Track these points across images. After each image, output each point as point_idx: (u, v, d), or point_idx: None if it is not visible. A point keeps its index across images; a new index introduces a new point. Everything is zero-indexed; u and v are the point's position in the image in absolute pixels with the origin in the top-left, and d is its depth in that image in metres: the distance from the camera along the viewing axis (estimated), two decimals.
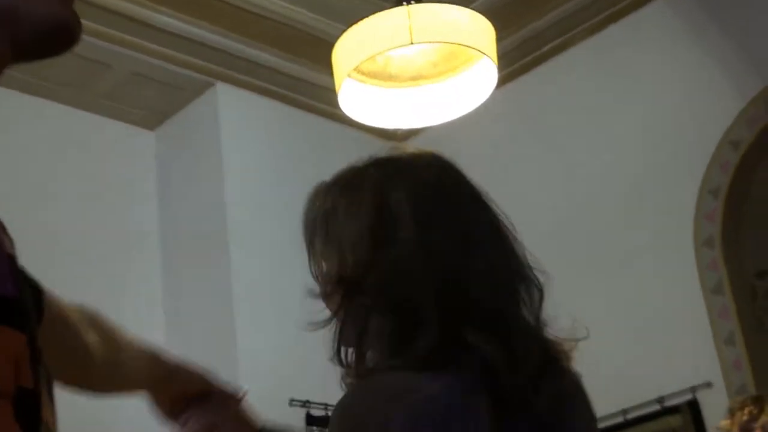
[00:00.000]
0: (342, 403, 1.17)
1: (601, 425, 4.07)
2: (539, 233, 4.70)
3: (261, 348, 4.30)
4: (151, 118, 4.80)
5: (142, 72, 4.56)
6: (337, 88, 3.12)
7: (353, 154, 4.66)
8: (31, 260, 0.95)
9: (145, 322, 4.45)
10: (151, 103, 4.73)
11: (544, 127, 4.87)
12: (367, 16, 3.03)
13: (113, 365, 1.22)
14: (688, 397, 4.09)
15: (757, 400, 3.05)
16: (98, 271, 4.42)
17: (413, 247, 1.23)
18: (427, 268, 1.22)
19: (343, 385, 1.22)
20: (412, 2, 3.00)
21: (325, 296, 1.28)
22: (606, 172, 4.59)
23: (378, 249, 1.24)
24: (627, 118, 4.58)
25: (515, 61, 4.88)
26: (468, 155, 4.93)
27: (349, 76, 3.08)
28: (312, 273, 1.31)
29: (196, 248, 4.53)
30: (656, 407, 4.16)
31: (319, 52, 4.38)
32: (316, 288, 1.30)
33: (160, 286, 4.60)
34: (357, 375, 1.21)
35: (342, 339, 1.24)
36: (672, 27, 4.51)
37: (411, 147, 1.46)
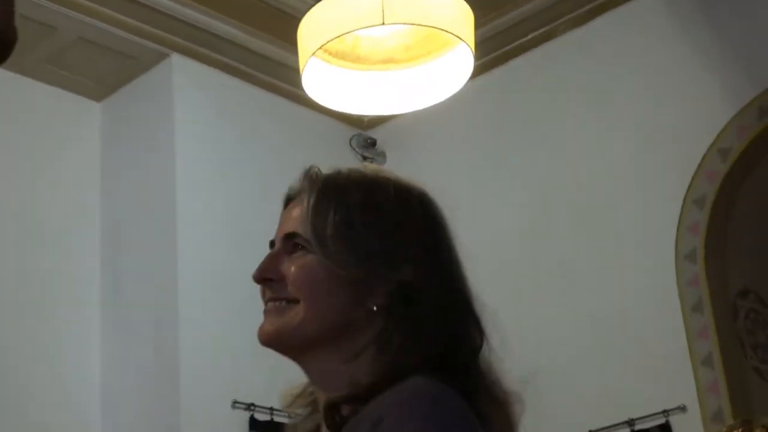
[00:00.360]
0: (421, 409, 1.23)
1: None
2: (508, 238, 4.68)
3: (205, 344, 4.22)
4: (98, 88, 4.68)
5: (90, 37, 4.43)
6: (301, 67, 3.05)
7: (315, 139, 4.67)
8: None
9: (79, 309, 4.40)
10: (99, 72, 4.60)
11: (520, 123, 4.80)
12: None
13: None
14: (661, 420, 4.04)
15: (746, 424, 3.01)
16: (30, 248, 4.33)
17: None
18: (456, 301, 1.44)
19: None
20: None
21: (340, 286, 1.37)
22: (584, 177, 4.52)
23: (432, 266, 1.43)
24: (609, 119, 4.51)
25: (494, 49, 4.81)
26: (437, 147, 4.99)
27: (314, 55, 3.01)
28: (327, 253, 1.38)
29: (140, 232, 4.44)
30: (626, 430, 4.11)
31: (284, 27, 4.31)
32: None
33: (98, 271, 4.50)
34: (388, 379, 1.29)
35: (385, 343, 1.34)
36: (662, 25, 4.44)
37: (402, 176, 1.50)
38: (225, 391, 4.20)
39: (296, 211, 1.43)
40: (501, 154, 4.83)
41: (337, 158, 4.99)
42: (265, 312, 1.41)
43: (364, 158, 5.12)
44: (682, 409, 4.00)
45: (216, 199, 4.50)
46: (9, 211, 4.31)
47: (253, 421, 4.21)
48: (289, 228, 1.42)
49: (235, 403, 4.21)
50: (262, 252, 1.43)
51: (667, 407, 4.03)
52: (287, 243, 1.41)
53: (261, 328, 1.40)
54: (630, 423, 4.09)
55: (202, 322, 4.25)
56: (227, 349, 4.21)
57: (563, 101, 4.69)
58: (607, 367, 4.23)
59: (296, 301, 1.38)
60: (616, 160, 4.44)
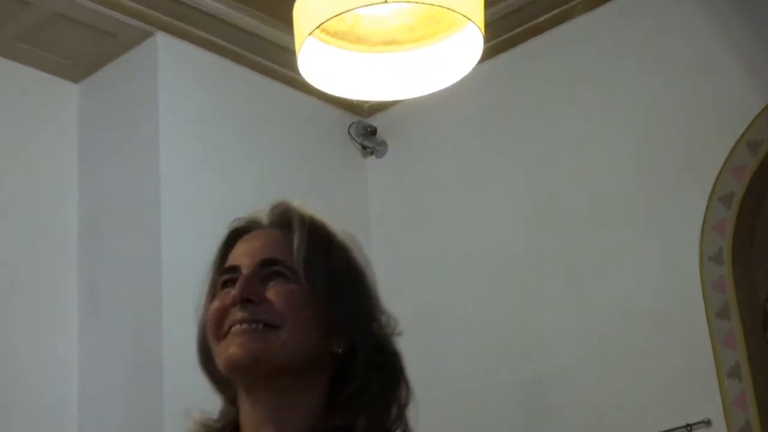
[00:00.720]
0: None
1: None
2: (514, 232, 4.56)
3: (190, 344, 4.13)
4: (76, 68, 4.58)
5: (67, 13, 4.32)
6: (296, 48, 2.97)
7: (310, 126, 4.56)
8: None
9: (55, 307, 4.31)
10: (77, 51, 4.50)
11: (531, 111, 4.68)
12: None
13: None
14: None
15: None
16: (3, 241, 4.26)
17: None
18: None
19: None
20: None
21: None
22: (600, 171, 4.42)
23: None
24: (626, 109, 4.40)
25: (504, 31, 4.71)
26: (442, 136, 4.89)
27: (311, 35, 2.93)
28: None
29: (121, 224, 4.35)
30: None
31: (279, 4, 4.21)
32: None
33: (75, 262, 4.42)
34: None
35: (339, 390, 1.51)
36: (686, 9, 4.33)
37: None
38: (212, 392, 4.11)
39: (272, 240, 1.55)
40: (508, 144, 4.72)
41: (334, 147, 4.97)
42: (236, 333, 1.49)
43: (364, 147, 5.03)
44: (707, 423, 3.91)
45: (203, 190, 4.41)
46: None
47: None
48: (268, 254, 1.53)
49: None
50: None
51: (690, 421, 3.93)
52: (263, 269, 1.52)
53: (233, 350, 1.48)
54: None
55: (188, 321, 4.15)
56: None
57: (576, 89, 4.58)
58: (623, 375, 4.14)
59: (276, 327, 1.49)
60: (635, 152, 4.33)
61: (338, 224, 4.90)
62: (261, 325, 1.49)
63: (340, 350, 1.51)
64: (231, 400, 1.57)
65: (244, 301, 1.50)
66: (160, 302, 4.14)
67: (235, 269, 1.54)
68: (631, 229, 4.29)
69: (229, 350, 1.49)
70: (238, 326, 1.49)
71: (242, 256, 1.55)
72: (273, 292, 1.51)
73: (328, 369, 1.52)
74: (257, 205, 4.66)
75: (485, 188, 4.69)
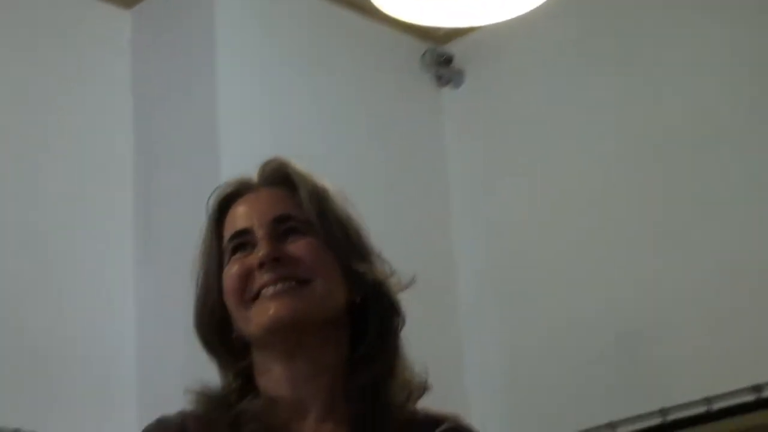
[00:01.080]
0: None
1: (679, 415, 3.97)
2: (609, 175, 4.38)
3: None
4: None
5: None
6: None
7: (380, 55, 4.42)
8: None
9: (109, 251, 4.27)
10: None
11: (631, 34, 4.49)
12: None
13: None
14: None
15: None
16: (52, 178, 4.21)
17: None
18: None
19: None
20: None
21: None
22: (712, 101, 4.24)
23: None
24: (736, 44, 4.22)
25: None
26: (527, 64, 4.67)
27: None
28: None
29: (177, 158, 4.29)
30: (750, 397, 3.93)
31: None
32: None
33: (131, 201, 4.35)
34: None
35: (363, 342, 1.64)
36: None
37: None
38: None
39: (275, 197, 1.64)
40: (603, 72, 4.53)
41: (407, 78, 4.82)
42: (272, 294, 1.56)
43: (439, 78, 4.89)
44: None
45: (264, 124, 4.31)
46: (25, 137, 4.18)
47: None
48: (279, 211, 1.62)
49: None
50: None
51: None
52: (277, 227, 1.61)
53: (274, 311, 1.55)
54: (756, 389, 3.92)
55: None
56: None
57: (684, 4, 4.39)
58: (729, 327, 4.02)
59: (308, 282, 1.57)
60: (755, 78, 4.16)
61: (412, 164, 4.74)
62: (293, 282, 1.57)
63: (359, 299, 1.61)
64: (237, 371, 1.63)
65: (273, 260, 1.57)
66: None
67: (246, 232, 1.61)
68: (743, 171, 4.14)
69: (269, 312, 1.55)
70: (271, 287, 1.56)
71: (248, 217, 1.62)
72: (296, 248, 1.59)
73: (349, 319, 1.61)
74: (321, 141, 4.53)
75: (575, 123, 4.50)
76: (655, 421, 4.02)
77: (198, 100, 4.31)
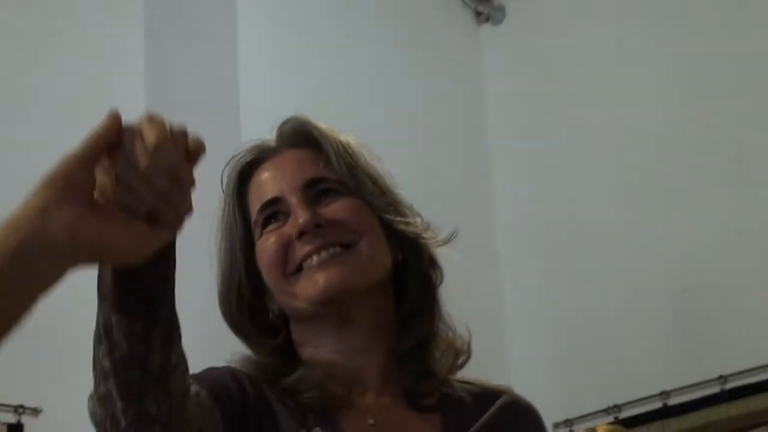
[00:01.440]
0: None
1: (738, 383, 3.77)
2: (666, 122, 4.12)
3: None
4: None
5: None
6: None
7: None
8: None
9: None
10: None
11: None
12: None
13: None
14: None
15: None
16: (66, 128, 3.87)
17: None
18: None
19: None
20: None
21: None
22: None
23: None
24: None
25: None
26: (570, 3, 4.42)
27: None
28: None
29: (193, 108, 4.02)
30: None
31: None
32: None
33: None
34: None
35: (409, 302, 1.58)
36: None
37: None
38: None
39: (301, 159, 1.55)
40: (664, 10, 4.28)
41: (444, 13, 4.59)
42: (319, 263, 1.48)
43: (478, 13, 4.67)
44: None
45: (287, 71, 4.08)
46: (35, 74, 3.99)
47: None
48: (310, 174, 1.53)
49: None
50: None
51: None
52: (309, 191, 1.52)
53: (325, 280, 1.47)
54: None
55: None
56: None
57: None
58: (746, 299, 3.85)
59: (353, 245, 1.50)
60: None
61: (447, 106, 4.50)
62: (338, 248, 1.49)
63: (400, 257, 1.55)
64: (272, 350, 1.54)
65: (314, 227, 1.49)
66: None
67: (277, 200, 1.53)
68: None
69: (318, 283, 1.47)
70: (315, 256, 1.48)
71: (276, 184, 1.53)
72: (334, 210, 1.51)
73: (391, 282, 1.55)
74: (349, 87, 4.30)
75: (629, 65, 4.31)
76: (712, 390, 3.82)
77: (216, 45, 4.10)
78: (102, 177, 1.03)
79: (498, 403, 1.56)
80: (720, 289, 3.92)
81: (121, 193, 1.03)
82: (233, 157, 1.60)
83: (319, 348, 1.53)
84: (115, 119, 1.04)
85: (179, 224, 1.09)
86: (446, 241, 1.59)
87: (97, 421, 1.26)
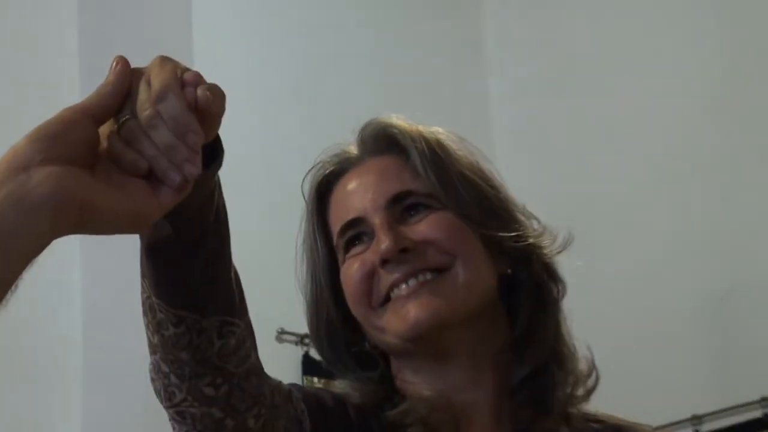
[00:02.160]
0: None
1: (732, 420, 3.62)
2: (700, 95, 3.99)
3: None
4: None
5: None
6: None
7: None
8: None
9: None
10: None
11: None
12: None
13: None
14: None
15: None
16: None
17: None
18: None
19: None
20: None
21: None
22: None
23: None
24: None
25: None
26: None
27: None
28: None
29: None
30: None
31: None
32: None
33: None
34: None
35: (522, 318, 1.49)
36: None
37: None
38: (267, 317, 3.64)
39: (385, 169, 1.47)
40: None
41: None
42: (408, 294, 1.40)
43: None
44: None
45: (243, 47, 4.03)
46: None
47: (307, 360, 3.93)
48: (395, 188, 1.45)
49: (281, 335, 3.93)
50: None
51: None
52: (395, 207, 1.44)
53: (415, 314, 1.39)
54: None
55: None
56: (266, 264, 3.49)
57: None
58: None
59: (447, 269, 1.41)
60: None
61: (449, 85, 4.35)
62: (428, 274, 1.41)
63: (509, 271, 1.46)
64: (371, 383, 1.46)
65: (399, 253, 1.41)
66: None
67: (359, 221, 1.45)
68: None
69: (407, 316, 1.39)
70: (403, 285, 1.41)
71: (358, 202, 1.46)
72: (423, 229, 1.43)
73: (499, 298, 1.47)
74: (342, 58, 4.30)
75: (655, 31, 4.21)
76: (753, 414, 3.64)
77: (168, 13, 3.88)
78: (104, 128, 1.01)
79: None
80: (765, 293, 3.72)
81: (119, 145, 0.99)
82: (312, 167, 1.53)
83: (416, 385, 1.46)
84: (122, 66, 1.00)
85: (184, 187, 1.01)
86: (563, 248, 1.51)
87: (155, 389, 1.25)
